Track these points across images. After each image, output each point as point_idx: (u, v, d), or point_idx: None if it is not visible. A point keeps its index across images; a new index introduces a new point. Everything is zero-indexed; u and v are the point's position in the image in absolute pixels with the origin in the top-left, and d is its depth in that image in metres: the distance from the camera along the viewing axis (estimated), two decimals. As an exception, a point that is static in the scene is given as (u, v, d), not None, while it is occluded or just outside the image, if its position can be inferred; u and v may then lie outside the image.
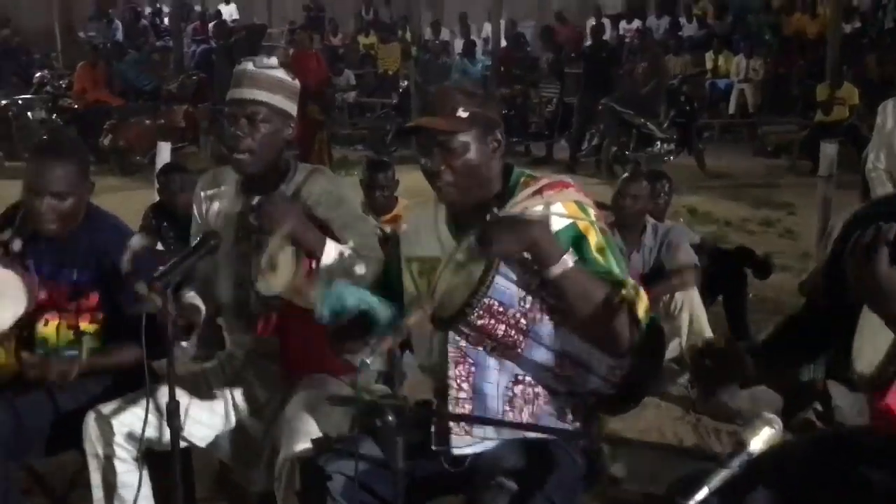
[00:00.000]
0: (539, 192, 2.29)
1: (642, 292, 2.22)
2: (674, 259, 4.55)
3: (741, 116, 15.08)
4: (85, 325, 2.95)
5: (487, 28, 17.58)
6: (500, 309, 2.17)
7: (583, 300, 2.13)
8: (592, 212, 2.29)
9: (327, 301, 2.31)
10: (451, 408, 2.29)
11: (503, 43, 15.79)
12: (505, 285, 2.15)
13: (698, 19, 16.92)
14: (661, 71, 12.14)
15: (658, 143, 11.22)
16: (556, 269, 2.10)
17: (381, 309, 2.33)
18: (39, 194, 2.79)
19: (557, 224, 2.23)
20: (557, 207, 2.25)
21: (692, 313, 4.43)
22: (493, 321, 2.18)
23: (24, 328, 2.90)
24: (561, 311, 2.19)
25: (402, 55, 16.50)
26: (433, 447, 2.30)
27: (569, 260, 2.10)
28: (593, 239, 2.24)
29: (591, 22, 17.53)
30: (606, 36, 17.04)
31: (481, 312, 2.16)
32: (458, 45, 16.60)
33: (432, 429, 2.30)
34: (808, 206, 9.23)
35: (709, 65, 15.55)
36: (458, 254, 2.22)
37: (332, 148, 12.11)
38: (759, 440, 1.66)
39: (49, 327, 2.94)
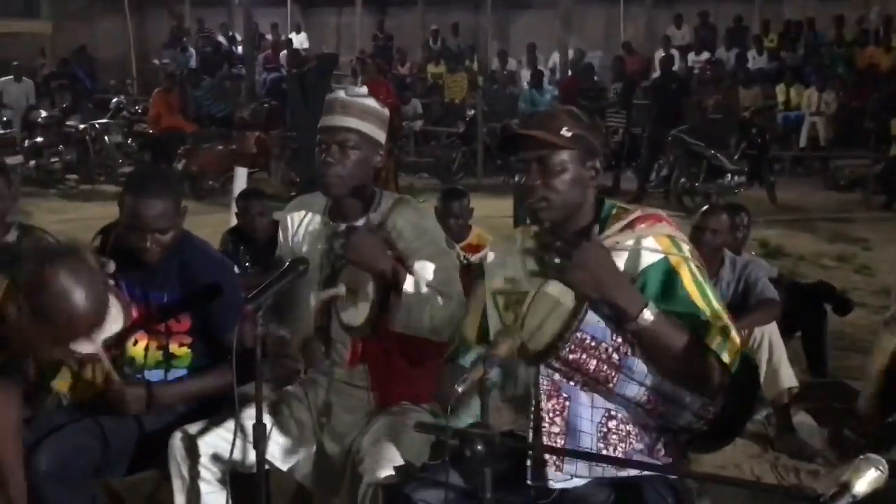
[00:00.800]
0: (631, 225, 2.27)
1: (733, 334, 2.19)
2: (753, 294, 4.48)
3: (812, 149, 14.83)
4: (175, 349, 3.00)
5: (555, 58, 17.60)
6: (593, 343, 2.16)
7: (662, 352, 2.12)
8: (686, 247, 2.26)
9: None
10: (543, 441, 2.27)
11: (570, 73, 15.79)
12: (597, 319, 2.14)
13: (769, 51, 16.72)
14: (732, 102, 12.02)
15: (728, 175, 11.08)
16: (632, 326, 2.09)
17: None
18: (142, 231, 2.85)
19: (648, 259, 2.21)
20: (649, 242, 2.23)
21: (771, 348, 4.35)
22: (584, 355, 2.17)
23: (116, 349, 2.96)
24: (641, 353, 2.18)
25: (469, 85, 16.59)
26: (528, 481, 2.28)
27: (648, 317, 2.09)
28: (686, 275, 2.21)
29: (660, 53, 17.49)
30: (675, 67, 16.99)
31: (573, 347, 2.15)
32: (526, 75, 16.61)
33: (528, 462, 2.29)
34: (884, 241, 9.08)
35: (780, 97, 15.36)
36: (548, 286, 2.20)
37: (398, 175, 12.20)
38: (864, 482, 1.63)
39: (138, 347, 3.00)
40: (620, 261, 2.23)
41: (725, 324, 2.20)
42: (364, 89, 2.88)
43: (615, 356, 2.18)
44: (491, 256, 2.58)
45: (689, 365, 2.13)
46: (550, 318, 2.17)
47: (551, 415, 2.27)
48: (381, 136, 2.85)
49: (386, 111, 2.89)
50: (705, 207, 4.96)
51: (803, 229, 10.18)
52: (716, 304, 2.23)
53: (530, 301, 2.25)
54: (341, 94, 2.84)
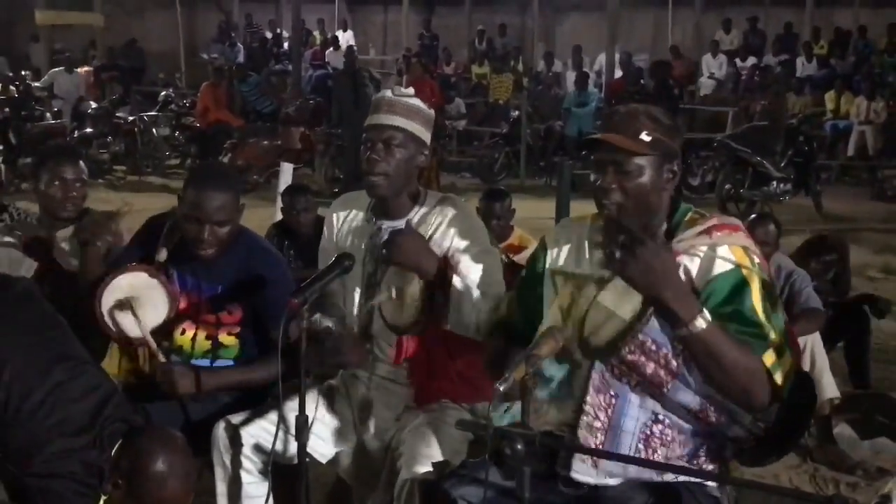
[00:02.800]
0: (708, 231, 2.24)
1: (787, 356, 2.18)
2: (798, 303, 4.45)
3: (860, 159, 14.63)
4: (223, 338, 3.05)
5: (601, 60, 17.53)
6: (653, 347, 2.16)
7: (711, 363, 2.10)
8: (758, 260, 2.24)
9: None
10: (582, 435, 2.27)
11: (616, 75, 15.72)
12: (662, 324, 2.14)
13: (818, 58, 16.53)
14: (779, 109, 11.88)
15: (774, 182, 10.96)
16: (683, 332, 2.08)
17: None
18: (202, 222, 2.91)
19: (721, 267, 2.19)
20: (724, 250, 2.21)
21: (813, 358, 4.31)
22: (643, 358, 2.17)
23: (164, 337, 3.02)
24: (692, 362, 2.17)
25: (514, 86, 16.57)
26: (558, 469, 2.29)
27: (700, 325, 2.06)
28: (755, 288, 2.18)
29: (708, 56, 17.36)
30: (723, 72, 16.85)
31: (633, 348, 2.15)
32: (571, 76, 16.57)
33: (562, 452, 2.29)
34: (931, 253, 8.93)
35: (829, 105, 15.17)
36: (615, 281, 2.19)
37: (440, 174, 12.23)
38: (906, 494, 1.62)
39: (185, 336, 3.06)
40: (694, 265, 2.22)
41: (783, 344, 2.18)
42: (411, 90, 2.90)
43: (674, 362, 2.18)
44: (553, 238, 2.54)
45: (737, 380, 2.11)
46: (614, 316, 2.18)
47: (596, 409, 2.27)
48: (426, 135, 2.86)
49: (432, 112, 2.91)
50: (753, 216, 4.94)
51: (849, 239, 10.03)
52: (778, 323, 2.20)
53: (595, 295, 2.25)
54: (388, 93, 2.86)
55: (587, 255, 2.39)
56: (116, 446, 2.39)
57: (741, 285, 2.18)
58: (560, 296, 2.40)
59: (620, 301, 2.20)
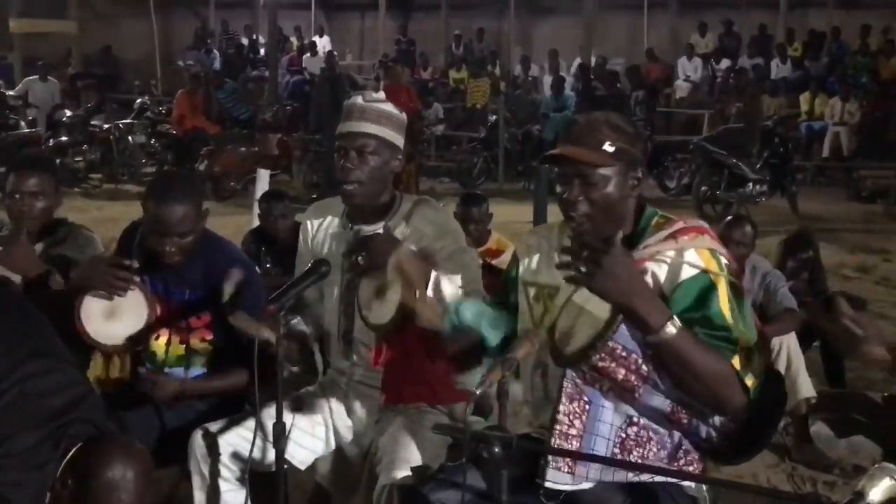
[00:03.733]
0: (673, 236, 2.24)
1: (757, 358, 2.18)
2: (774, 303, 4.48)
3: (835, 160, 14.77)
4: (195, 343, 3.05)
5: (577, 64, 17.60)
6: (623, 354, 2.16)
7: (681, 368, 2.10)
8: (725, 262, 2.23)
9: (448, 316, 2.32)
10: (556, 443, 2.27)
11: (592, 78, 15.79)
12: (631, 331, 2.13)
13: (793, 60, 16.66)
14: (755, 111, 11.97)
15: (750, 184, 11.05)
16: (653, 339, 2.08)
17: (493, 332, 2.35)
18: (163, 236, 2.91)
19: (688, 272, 2.19)
20: (691, 255, 2.20)
21: (789, 358, 4.34)
22: (614, 364, 2.17)
23: (139, 343, 3.01)
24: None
25: (492, 90, 16.62)
26: (538, 479, 2.29)
27: (670, 331, 2.06)
28: (722, 292, 2.18)
29: (683, 60, 17.47)
30: (698, 75, 16.96)
31: (603, 355, 2.15)
32: (548, 80, 16.64)
33: (541, 461, 2.29)
34: (906, 252, 9.03)
35: (804, 106, 15.29)
36: (582, 292, 2.18)
37: (419, 180, 12.24)
38: (879, 491, 1.63)
39: (159, 342, 3.05)
40: (661, 271, 2.22)
41: (752, 346, 2.18)
42: (381, 94, 2.90)
43: (644, 367, 2.17)
44: (524, 246, 2.54)
45: (707, 385, 2.11)
46: (581, 324, 2.18)
47: (571, 417, 2.26)
48: (399, 140, 2.86)
49: (404, 116, 2.90)
50: (729, 218, 4.97)
51: (825, 240, 10.05)
52: (748, 324, 2.21)
53: (564, 303, 2.26)
54: (359, 100, 2.85)
55: (556, 263, 2.39)
56: (77, 447, 2.35)
57: (708, 290, 2.18)
58: (532, 306, 2.42)
59: (588, 310, 2.19)
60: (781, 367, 4.31)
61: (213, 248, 3.07)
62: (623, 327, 2.11)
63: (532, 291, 2.44)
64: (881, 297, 7.59)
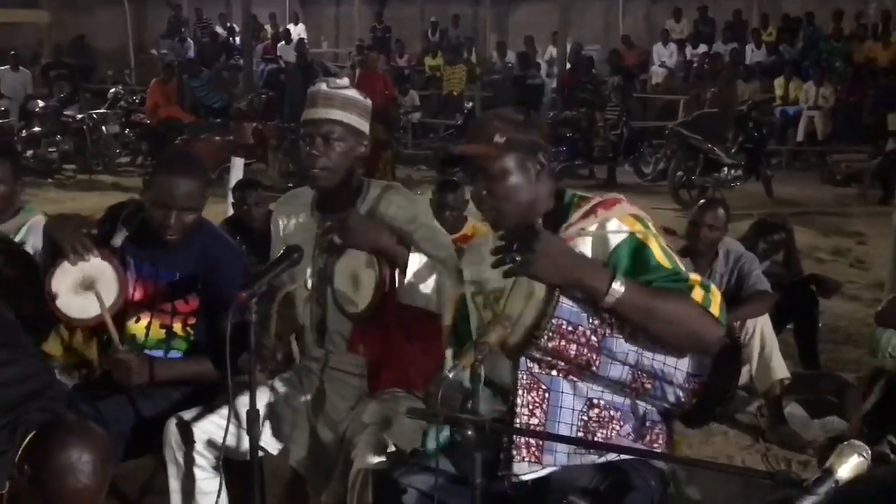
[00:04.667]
0: (592, 210, 2.28)
1: (714, 288, 2.20)
2: (746, 286, 4.51)
3: (810, 144, 14.87)
4: (177, 328, 3.03)
5: (552, 51, 17.61)
6: (570, 328, 2.16)
7: (648, 319, 2.12)
8: (650, 222, 2.28)
9: None
10: (518, 435, 2.27)
11: (568, 66, 15.79)
12: (571, 304, 2.14)
13: (767, 45, 16.74)
14: (729, 96, 12.02)
15: (725, 168, 11.10)
16: (608, 301, 2.10)
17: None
18: (169, 208, 2.89)
19: (616, 239, 2.22)
20: (613, 224, 2.25)
21: (763, 340, 4.38)
22: (563, 342, 2.17)
23: (116, 325, 2.97)
24: (633, 329, 2.18)
25: (468, 77, 16.58)
26: (498, 472, 2.29)
27: (619, 288, 2.08)
28: (655, 247, 2.22)
29: (659, 45, 17.50)
30: (673, 60, 17.01)
31: (551, 334, 2.15)
32: (523, 67, 16.61)
33: (501, 455, 2.28)
34: (879, 235, 9.09)
35: (778, 91, 15.38)
36: (522, 279, 2.20)
37: (395, 167, 12.22)
38: (848, 468, 1.64)
39: (139, 325, 3.03)
40: (587, 247, 2.25)
41: (703, 282, 2.20)
42: (345, 80, 2.91)
43: (594, 338, 2.18)
44: (466, 257, 2.61)
45: (681, 325, 2.13)
46: (527, 309, 2.19)
47: (530, 407, 2.26)
48: (364, 126, 2.87)
49: (369, 102, 2.91)
50: (702, 202, 4.99)
51: (799, 223, 10.14)
52: (682, 269, 2.22)
53: (506, 297, 2.28)
54: (323, 86, 2.85)
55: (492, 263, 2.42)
56: (32, 434, 2.33)
57: (640, 248, 2.21)
58: (482, 313, 2.46)
59: (525, 299, 2.20)
60: (755, 348, 4.35)
61: (206, 235, 3.07)
62: (563, 302, 2.12)
63: (480, 300, 2.49)
64: (855, 279, 7.66)
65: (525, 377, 2.26)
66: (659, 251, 2.21)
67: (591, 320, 2.17)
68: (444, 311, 2.69)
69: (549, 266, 2.08)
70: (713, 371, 2.26)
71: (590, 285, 2.09)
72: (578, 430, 2.27)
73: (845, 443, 1.68)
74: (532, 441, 2.28)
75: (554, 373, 2.26)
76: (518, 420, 2.26)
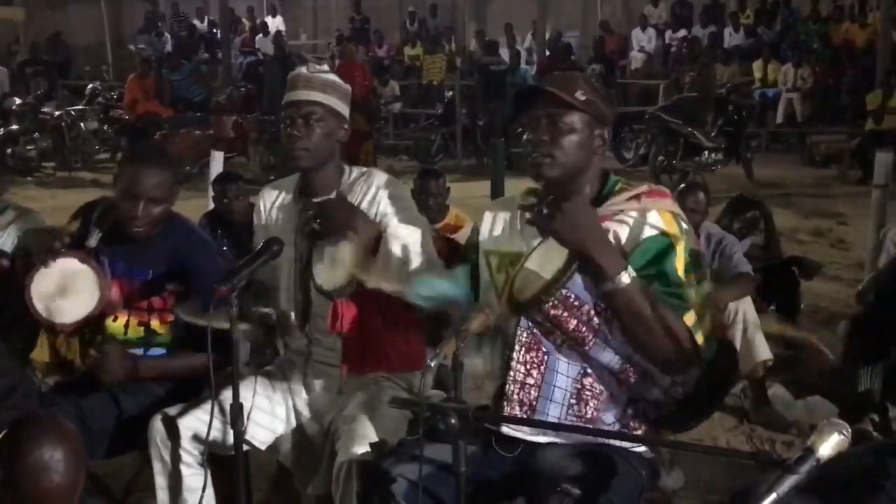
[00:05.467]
0: (637, 197, 2.29)
1: (708, 320, 2.21)
2: (728, 268, 4.52)
3: (789, 126, 14.93)
4: (156, 325, 3.02)
5: (530, 38, 17.58)
6: (576, 303, 2.19)
7: (632, 319, 2.13)
8: (686, 227, 2.28)
9: (422, 287, 2.34)
10: (515, 392, 2.30)
11: (547, 53, 15.78)
12: (585, 282, 2.17)
13: (745, 28, 16.77)
14: (708, 80, 12.04)
15: (706, 152, 11.13)
16: (609, 286, 2.11)
17: (459, 288, 2.36)
18: (137, 198, 2.89)
19: (649, 231, 2.23)
20: (653, 216, 2.25)
21: (745, 323, 4.39)
22: (566, 314, 2.20)
23: (91, 325, 2.97)
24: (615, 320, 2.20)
25: (448, 66, 16.54)
26: (486, 424, 2.32)
27: (625, 280, 2.10)
28: (680, 253, 2.22)
29: (637, 31, 17.51)
30: (652, 45, 17.01)
31: (556, 303, 2.18)
32: (504, 55, 16.57)
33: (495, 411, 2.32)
34: (859, 215, 9.15)
35: (757, 74, 15.42)
36: (541, 245, 2.22)
37: (377, 158, 12.19)
38: (828, 446, 1.65)
39: (118, 323, 3.02)
40: (623, 230, 2.26)
41: (704, 310, 2.21)
42: (325, 66, 2.92)
43: (595, 320, 2.21)
44: (487, 217, 2.58)
45: (657, 338, 2.14)
46: (540, 272, 2.21)
47: (528, 366, 2.30)
48: (344, 110, 2.89)
49: (348, 87, 2.93)
50: (682, 186, 5.00)
51: (780, 205, 10.21)
52: (701, 290, 2.24)
53: (524, 260, 2.29)
54: (304, 70, 2.89)
55: (519, 230, 2.42)
56: (3, 434, 2.31)
57: (667, 249, 2.22)
58: (494, 275, 2.44)
59: (545, 261, 2.22)
60: (738, 331, 4.37)
61: (179, 230, 3.06)
62: (577, 277, 2.15)
63: (494, 261, 2.47)
64: (836, 259, 7.70)
65: (525, 335, 2.30)
66: (682, 258, 2.22)
67: (598, 302, 2.20)
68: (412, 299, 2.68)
69: (569, 228, 2.10)
70: (702, 382, 2.27)
71: (599, 263, 2.11)
72: (572, 397, 2.31)
73: (826, 421, 1.69)
74: (525, 399, 2.31)
75: (551, 339, 2.30)
76: (512, 374, 2.31)
